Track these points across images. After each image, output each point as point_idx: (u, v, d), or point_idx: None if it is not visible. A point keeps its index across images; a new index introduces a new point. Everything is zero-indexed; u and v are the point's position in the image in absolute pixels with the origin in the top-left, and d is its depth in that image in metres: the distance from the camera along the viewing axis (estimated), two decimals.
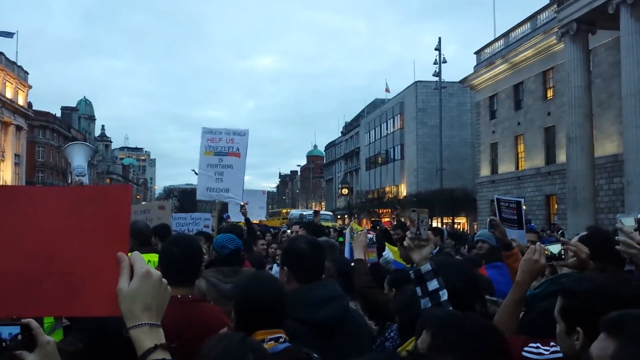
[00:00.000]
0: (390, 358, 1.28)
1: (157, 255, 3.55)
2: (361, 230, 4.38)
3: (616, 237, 2.64)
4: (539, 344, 2.11)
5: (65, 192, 1.48)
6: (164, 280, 1.35)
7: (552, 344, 2.07)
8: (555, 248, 2.88)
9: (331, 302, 2.82)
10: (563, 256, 2.87)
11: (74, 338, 2.58)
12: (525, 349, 2.11)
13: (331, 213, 43.94)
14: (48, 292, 1.32)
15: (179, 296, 2.78)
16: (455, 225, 42.90)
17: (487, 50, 38.49)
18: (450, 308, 2.39)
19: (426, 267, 2.53)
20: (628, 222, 2.73)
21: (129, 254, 1.36)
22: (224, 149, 8.18)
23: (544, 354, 2.08)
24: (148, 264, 1.40)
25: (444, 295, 2.47)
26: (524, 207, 5.87)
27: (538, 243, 2.80)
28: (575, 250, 2.81)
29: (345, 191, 64.37)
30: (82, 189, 1.65)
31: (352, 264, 4.03)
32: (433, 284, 2.49)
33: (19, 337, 1.54)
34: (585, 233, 3.13)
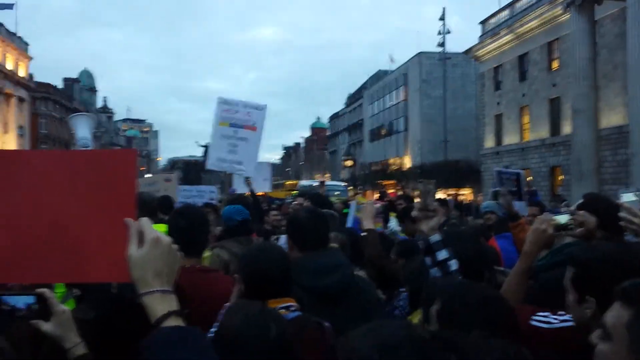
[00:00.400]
0: (400, 325, 1.28)
1: (164, 225, 3.55)
2: (369, 201, 4.36)
3: (619, 214, 2.64)
4: (548, 313, 2.11)
5: (70, 156, 1.45)
6: (174, 245, 1.33)
7: (561, 313, 2.07)
8: (563, 218, 2.87)
9: (336, 270, 2.85)
10: (571, 226, 2.87)
11: (86, 306, 2.62)
12: (534, 317, 2.10)
13: (344, 184, 36.25)
14: (57, 258, 1.30)
15: (187, 266, 2.80)
16: (460, 197, 42.94)
17: (492, 20, 37.97)
18: (460, 278, 2.40)
19: (435, 237, 2.54)
20: (627, 197, 2.73)
21: (138, 219, 1.33)
22: (240, 121, 8.07)
23: (553, 323, 2.07)
24: None
25: (454, 265, 2.48)
26: (529, 179, 5.89)
27: (546, 213, 2.80)
28: (583, 220, 2.81)
29: (349, 163, 64.43)
30: (87, 152, 1.62)
31: (363, 233, 4.03)
32: (442, 254, 2.50)
33: (34, 306, 1.55)
34: (582, 201, 3.11)
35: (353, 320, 2.63)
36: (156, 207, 5.20)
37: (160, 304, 1.25)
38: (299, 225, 3.06)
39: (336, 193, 23.55)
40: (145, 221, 1.32)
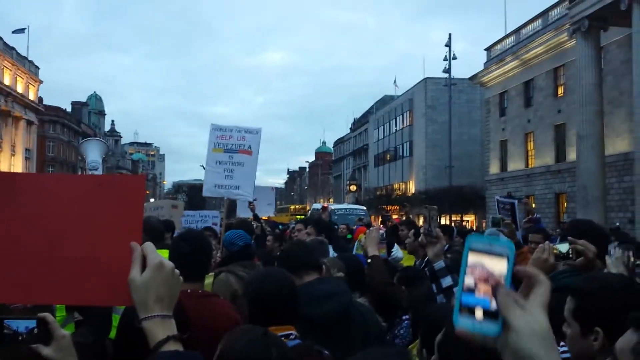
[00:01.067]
0: (397, 352, 1.27)
1: (165, 250, 3.56)
2: (373, 227, 4.36)
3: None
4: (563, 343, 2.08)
5: (78, 180, 1.49)
6: (176, 271, 1.34)
7: (562, 343, 2.04)
8: (564, 247, 2.86)
9: (332, 297, 2.84)
10: (571, 255, 2.86)
11: (86, 330, 2.62)
12: None
13: (364, 208, 33.84)
14: (59, 279, 1.31)
15: (188, 291, 2.80)
16: (464, 223, 42.74)
17: (498, 46, 38.27)
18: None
19: (439, 264, 2.53)
20: (564, 247, 2.75)
21: (142, 244, 1.34)
22: (234, 146, 8.12)
23: None
24: None
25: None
26: (533, 206, 5.91)
27: (547, 242, 2.80)
28: (583, 249, 2.79)
29: (353, 188, 64.38)
30: (96, 177, 1.65)
31: (369, 260, 4.02)
32: (447, 281, 2.49)
33: (35, 330, 1.56)
34: (567, 226, 3.10)
35: (353, 348, 2.62)
36: (163, 232, 5.20)
37: (160, 329, 1.26)
38: (287, 253, 3.18)
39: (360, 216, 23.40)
40: (149, 246, 1.33)
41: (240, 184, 8.03)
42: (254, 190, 8.58)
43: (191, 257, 3.04)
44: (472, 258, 0.95)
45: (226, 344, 1.90)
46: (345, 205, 36.28)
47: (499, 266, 0.93)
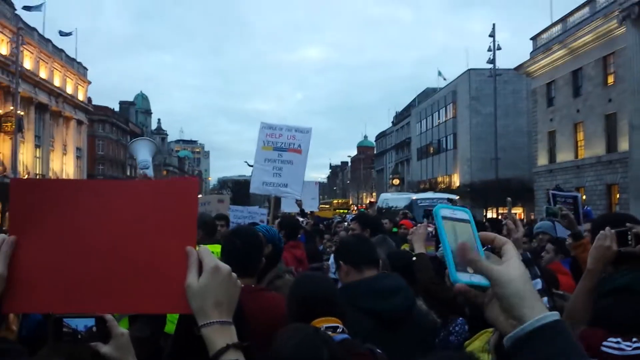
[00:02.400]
0: (463, 356, 1.26)
1: (218, 246, 3.62)
2: (420, 224, 4.27)
3: None
4: (619, 339, 2.02)
5: (133, 186, 1.46)
6: (234, 274, 1.30)
7: (634, 339, 1.98)
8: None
9: (398, 293, 2.83)
10: (630, 241, 2.74)
11: (142, 324, 2.69)
12: (604, 343, 2.02)
13: (455, 197, 30.32)
14: (116, 288, 1.29)
15: (242, 286, 2.85)
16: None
17: (544, 35, 37.27)
18: (546, 298, 2.25)
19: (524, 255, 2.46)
20: None
21: (197, 247, 1.31)
22: (284, 144, 8.16)
23: (625, 350, 1.98)
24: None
25: (537, 284, 2.40)
26: (583, 198, 5.72)
27: (607, 228, 2.68)
28: None
29: (396, 181, 63.89)
30: (149, 182, 1.63)
31: (414, 258, 3.96)
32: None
33: (94, 329, 1.60)
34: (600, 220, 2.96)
35: (411, 346, 2.62)
36: (216, 227, 5.28)
37: (220, 336, 1.22)
38: (347, 248, 3.17)
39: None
40: (204, 250, 1.30)
41: (289, 181, 8.08)
42: (302, 188, 8.62)
43: (243, 252, 3.09)
44: (446, 225, 1.04)
45: (278, 343, 1.92)
46: (430, 195, 31.79)
47: (466, 230, 1.06)
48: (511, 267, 1.02)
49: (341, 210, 45.23)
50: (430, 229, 4.28)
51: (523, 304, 0.98)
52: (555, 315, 0.96)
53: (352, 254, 3.06)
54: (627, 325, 2.07)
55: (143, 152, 7.30)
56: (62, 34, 49.69)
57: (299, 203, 9.62)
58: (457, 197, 27.37)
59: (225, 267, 1.28)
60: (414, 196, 30.14)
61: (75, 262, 1.30)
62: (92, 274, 1.29)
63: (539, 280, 2.39)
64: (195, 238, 1.34)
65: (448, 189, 51.04)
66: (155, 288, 1.28)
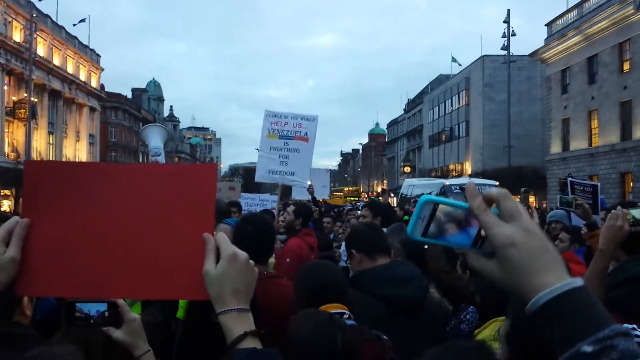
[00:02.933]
0: (477, 346, 1.24)
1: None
2: None
3: None
4: (635, 325, 1.99)
5: (149, 170, 1.42)
6: (251, 262, 1.28)
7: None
8: (638, 212, 2.64)
9: (412, 280, 2.83)
10: None
11: (155, 310, 2.70)
12: None
13: (494, 182, 26.13)
14: (131, 273, 1.27)
15: None
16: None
17: (559, 21, 36.79)
18: None
19: None
20: (638, 213, 2.56)
21: (215, 234, 1.29)
22: (290, 132, 8.12)
23: None
24: None
25: None
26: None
27: (619, 207, 2.63)
28: None
29: (407, 169, 63.74)
30: (167, 166, 1.59)
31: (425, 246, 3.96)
32: None
33: (106, 314, 1.60)
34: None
35: (422, 333, 2.61)
36: (229, 214, 5.26)
37: (238, 324, 1.21)
38: (359, 236, 3.18)
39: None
40: (222, 236, 1.28)
41: (296, 170, 8.06)
42: (309, 176, 8.59)
43: (255, 239, 3.10)
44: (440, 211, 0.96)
45: (292, 329, 1.92)
46: (465, 180, 28.71)
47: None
48: (524, 221, 0.91)
49: (352, 198, 45.14)
50: None
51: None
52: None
53: (365, 242, 3.06)
54: None
55: (155, 138, 7.32)
56: (77, 22, 49.89)
57: (310, 191, 9.62)
58: (497, 183, 24.36)
59: (243, 254, 1.26)
60: (447, 182, 28.88)
61: (89, 245, 1.28)
62: (106, 259, 1.27)
63: None
64: (213, 224, 1.32)
65: (460, 177, 50.80)
66: (171, 274, 1.26)
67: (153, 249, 1.28)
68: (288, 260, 5.23)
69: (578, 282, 0.88)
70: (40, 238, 1.27)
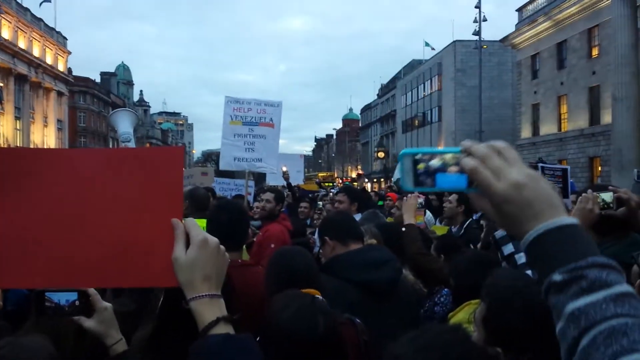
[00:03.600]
0: (452, 329, 1.25)
1: (203, 220, 3.59)
2: (411, 194, 4.26)
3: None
4: None
5: (113, 154, 1.38)
6: (222, 247, 1.26)
7: None
8: (607, 196, 2.72)
9: (386, 264, 2.85)
10: (612, 205, 2.74)
11: (126, 299, 2.67)
12: None
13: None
14: (98, 261, 1.22)
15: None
16: None
17: (530, 7, 37.12)
18: (529, 272, 2.23)
19: (500, 232, 2.49)
20: (607, 196, 2.63)
21: (183, 219, 1.25)
22: (254, 119, 8.05)
23: None
24: None
25: (520, 258, 2.43)
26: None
27: (589, 190, 2.67)
28: (627, 197, 2.67)
29: (381, 154, 64.05)
30: (132, 150, 1.53)
31: (403, 229, 3.97)
32: (508, 248, 2.47)
33: (77, 303, 1.57)
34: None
35: (396, 317, 2.64)
36: (208, 202, 5.12)
37: (209, 310, 1.19)
38: (332, 224, 3.20)
39: None
40: (191, 221, 1.25)
41: (263, 156, 8.02)
42: (278, 161, 8.56)
43: (229, 226, 3.07)
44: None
45: (274, 311, 1.91)
46: None
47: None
48: (519, 166, 0.95)
49: (326, 184, 45.22)
50: (420, 200, 4.27)
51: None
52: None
53: (338, 229, 3.06)
54: None
55: (124, 123, 7.19)
56: (42, 1, 48.54)
57: (286, 177, 9.59)
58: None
59: (214, 239, 1.24)
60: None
61: (53, 234, 1.23)
62: (72, 247, 1.22)
63: (522, 254, 2.41)
64: (181, 209, 1.29)
65: None
66: (140, 261, 1.23)
67: (120, 236, 1.23)
68: (272, 245, 5.21)
69: (567, 220, 0.89)
70: (3, 228, 1.22)
